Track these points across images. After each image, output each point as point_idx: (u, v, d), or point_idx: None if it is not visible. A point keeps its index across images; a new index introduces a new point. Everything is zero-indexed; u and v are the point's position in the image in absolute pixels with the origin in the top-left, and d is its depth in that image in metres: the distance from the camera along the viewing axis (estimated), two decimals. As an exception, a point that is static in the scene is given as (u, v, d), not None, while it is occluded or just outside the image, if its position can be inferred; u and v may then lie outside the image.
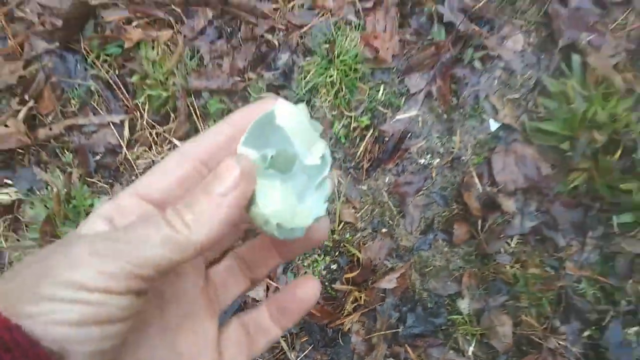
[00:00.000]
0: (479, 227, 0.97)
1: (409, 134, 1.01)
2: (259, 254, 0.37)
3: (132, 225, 0.26)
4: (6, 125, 1.10)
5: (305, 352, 0.97)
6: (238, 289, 0.36)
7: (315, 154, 0.32)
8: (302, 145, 0.32)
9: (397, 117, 1.02)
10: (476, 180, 0.99)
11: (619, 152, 0.95)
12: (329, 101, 1.03)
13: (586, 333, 0.94)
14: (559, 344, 0.93)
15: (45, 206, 1.04)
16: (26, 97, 1.12)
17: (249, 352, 0.35)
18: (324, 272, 0.98)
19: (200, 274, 0.35)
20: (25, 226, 1.07)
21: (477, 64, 1.01)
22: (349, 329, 0.97)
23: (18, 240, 1.07)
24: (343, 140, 1.02)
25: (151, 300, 0.31)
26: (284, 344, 0.98)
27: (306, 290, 0.35)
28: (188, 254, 0.26)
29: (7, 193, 1.09)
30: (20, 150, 1.10)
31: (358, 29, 1.02)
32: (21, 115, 1.09)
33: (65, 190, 1.04)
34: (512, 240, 0.97)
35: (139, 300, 0.26)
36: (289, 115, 0.31)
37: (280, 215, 0.30)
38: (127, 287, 0.25)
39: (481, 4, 1.00)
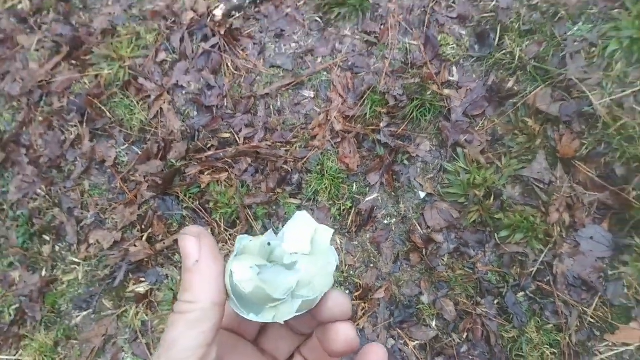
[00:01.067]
0: (424, 253, 1.68)
1: (375, 208, 1.75)
2: (315, 353, 0.41)
3: (162, 337, 0.32)
4: (135, 245, 1.79)
5: (340, 345, 1.63)
6: None
7: (289, 255, 0.37)
8: (291, 245, 0.37)
9: (366, 199, 1.76)
10: (418, 227, 1.72)
11: (492, 198, 1.69)
12: (326, 197, 1.76)
13: (496, 301, 1.62)
14: (482, 310, 1.61)
15: (171, 289, 1.72)
16: (143, 226, 1.82)
17: None
18: (342, 296, 1.67)
19: None
20: (157, 304, 1.74)
21: (406, 162, 1.77)
22: (363, 327, 1.64)
23: (154, 313, 1.73)
24: (338, 217, 1.74)
25: None
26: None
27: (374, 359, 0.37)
28: (211, 319, 0.32)
29: (142, 286, 1.76)
30: (146, 259, 1.79)
31: (335, 154, 1.78)
32: (144, 238, 1.80)
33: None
34: (444, 257, 1.68)
35: None
36: (300, 222, 0.37)
37: (236, 280, 0.34)
38: None
39: (400, 129, 1.77)
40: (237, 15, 1.97)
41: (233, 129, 1.82)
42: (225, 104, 1.85)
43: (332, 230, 0.39)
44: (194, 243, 0.34)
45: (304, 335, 0.42)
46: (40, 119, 1.95)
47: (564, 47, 1.75)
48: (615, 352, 1.52)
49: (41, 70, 2.02)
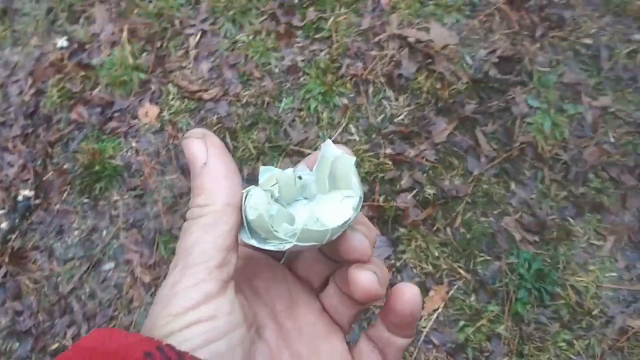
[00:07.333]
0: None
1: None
2: (347, 282, 0.36)
3: (177, 246, 0.31)
4: None
5: None
6: (352, 310, 0.38)
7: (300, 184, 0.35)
8: (320, 184, 0.35)
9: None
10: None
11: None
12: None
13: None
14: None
15: None
16: None
17: None
18: None
19: (313, 301, 0.39)
20: None
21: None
22: None
23: None
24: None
25: (272, 331, 0.36)
26: None
27: (405, 302, 0.34)
28: (225, 221, 0.31)
29: None
30: None
31: (156, 303, 1.95)
32: None
33: None
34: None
35: (239, 297, 0.32)
36: (329, 151, 0.34)
37: (246, 204, 0.32)
38: (217, 284, 0.29)
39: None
40: (14, 236, 2.09)
41: (58, 336, 1.91)
42: (41, 319, 1.94)
43: (353, 158, 0.34)
44: (200, 144, 0.32)
45: (336, 262, 0.39)
46: None
47: (282, 122, 2.14)
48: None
49: None
